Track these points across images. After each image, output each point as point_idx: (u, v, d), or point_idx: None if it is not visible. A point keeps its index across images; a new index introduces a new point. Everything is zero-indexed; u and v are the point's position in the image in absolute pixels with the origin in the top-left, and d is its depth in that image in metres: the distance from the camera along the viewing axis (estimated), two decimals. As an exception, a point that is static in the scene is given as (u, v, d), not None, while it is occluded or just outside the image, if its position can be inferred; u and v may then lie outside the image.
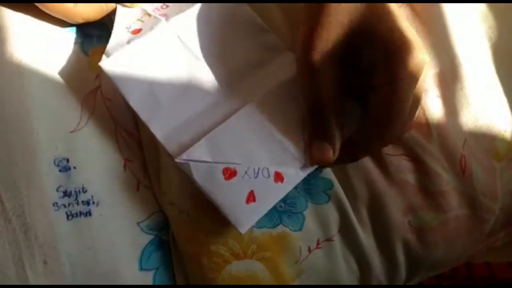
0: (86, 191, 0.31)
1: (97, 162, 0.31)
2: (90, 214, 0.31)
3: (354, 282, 0.35)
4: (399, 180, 0.33)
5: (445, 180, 0.34)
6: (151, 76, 0.31)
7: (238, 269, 0.31)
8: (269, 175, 0.29)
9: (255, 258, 0.31)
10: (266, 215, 0.31)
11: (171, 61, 0.31)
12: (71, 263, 0.29)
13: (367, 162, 0.33)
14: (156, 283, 0.32)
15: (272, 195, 0.29)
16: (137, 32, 0.32)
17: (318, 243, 0.33)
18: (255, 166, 0.29)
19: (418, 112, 0.34)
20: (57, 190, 0.30)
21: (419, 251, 0.35)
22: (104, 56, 0.30)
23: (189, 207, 0.31)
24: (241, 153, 0.29)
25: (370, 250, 0.34)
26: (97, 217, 0.31)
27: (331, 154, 0.28)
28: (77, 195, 0.30)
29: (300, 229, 0.32)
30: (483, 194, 0.35)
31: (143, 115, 0.30)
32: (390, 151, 0.33)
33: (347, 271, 0.34)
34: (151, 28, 0.31)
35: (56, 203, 0.30)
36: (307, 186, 0.32)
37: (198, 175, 0.28)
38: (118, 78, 0.30)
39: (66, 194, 0.30)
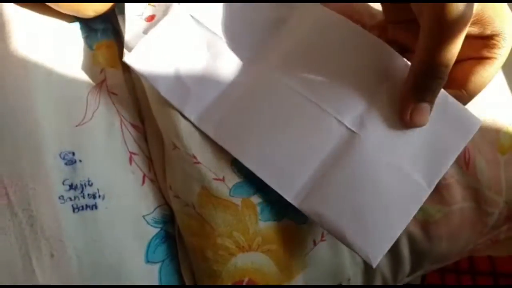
0: (92, 184, 0.31)
1: (103, 155, 0.32)
2: (96, 207, 0.31)
3: (358, 274, 0.35)
4: (403, 173, 0.33)
5: (449, 173, 0.34)
6: (175, 62, 0.31)
7: (243, 261, 0.31)
8: None
9: (261, 251, 0.31)
10: (271, 208, 0.32)
11: (191, 42, 0.31)
12: (77, 256, 0.30)
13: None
14: (162, 276, 0.32)
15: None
16: (151, 19, 0.31)
17: (322, 236, 0.33)
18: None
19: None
20: (63, 183, 0.30)
21: (423, 244, 0.35)
22: (125, 50, 0.30)
23: (194, 200, 0.31)
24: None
25: (375, 242, 0.34)
26: (103, 210, 0.31)
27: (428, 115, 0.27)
28: (83, 188, 0.31)
29: (305, 222, 0.32)
30: (487, 187, 0.35)
31: (176, 103, 0.30)
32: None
33: (351, 264, 0.34)
34: (165, 13, 0.31)
35: (62, 196, 0.30)
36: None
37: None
38: (145, 71, 0.30)
39: (72, 187, 0.30)
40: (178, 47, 0.31)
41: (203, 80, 0.31)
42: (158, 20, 0.31)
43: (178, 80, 0.30)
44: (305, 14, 0.31)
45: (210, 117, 0.30)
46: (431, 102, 0.27)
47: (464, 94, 0.28)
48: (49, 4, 0.30)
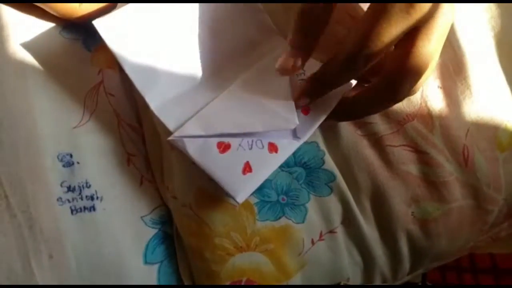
0: (90, 186, 0.31)
1: (101, 157, 0.32)
2: (94, 209, 0.31)
3: (358, 273, 0.35)
4: (401, 171, 0.33)
5: (448, 170, 0.34)
6: (148, 44, 0.30)
7: (241, 261, 0.31)
8: (263, 146, 0.29)
9: (259, 251, 0.32)
10: (269, 208, 0.32)
11: (167, 32, 0.30)
12: (76, 257, 0.30)
13: (369, 154, 0.33)
14: (161, 277, 0.32)
15: (267, 165, 0.29)
16: None
17: (321, 235, 0.33)
18: (248, 138, 0.29)
19: (420, 103, 0.34)
20: (61, 185, 0.30)
21: (423, 242, 0.35)
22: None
23: (192, 201, 0.31)
24: (233, 124, 0.29)
25: (374, 241, 0.34)
26: (101, 212, 0.31)
27: (298, 62, 0.27)
28: (81, 190, 0.31)
29: (303, 222, 0.32)
30: (486, 185, 0.35)
31: (139, 85, 0.29)
32: (392, 142, 0.33)
33: (350, 263, 0.34)
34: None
35: (61, 198, 0.30)
36: (310, 179, 0.32)
37: (193, 150, 0.28)
38: (112, 41, 0.28)
39: (70, 189, 0.30)
40: (155, 32, 0.30)
41: (172, 74, 0.30)
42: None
43: (148, 64, 0.29)
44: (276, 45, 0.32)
45: (172, 111, 0.29)
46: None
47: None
48: (41, 5, 0.30)
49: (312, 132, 0.30)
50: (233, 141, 0.28)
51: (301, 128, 0.29)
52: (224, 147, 0.28)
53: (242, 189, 0.28)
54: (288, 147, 0.29)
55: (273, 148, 0.29)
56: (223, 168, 0.28)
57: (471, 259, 0.43)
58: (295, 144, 0.30)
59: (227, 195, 0.28)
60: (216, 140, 0.28)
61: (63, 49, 0.33)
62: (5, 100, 0.30)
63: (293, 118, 0.29)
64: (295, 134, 0.30)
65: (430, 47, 0.24)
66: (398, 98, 0.26)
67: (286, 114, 0.29)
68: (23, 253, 0.29)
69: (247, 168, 0.28)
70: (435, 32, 0.24)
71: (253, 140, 0.29)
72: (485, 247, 0.42)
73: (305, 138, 0.30)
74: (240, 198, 0.28)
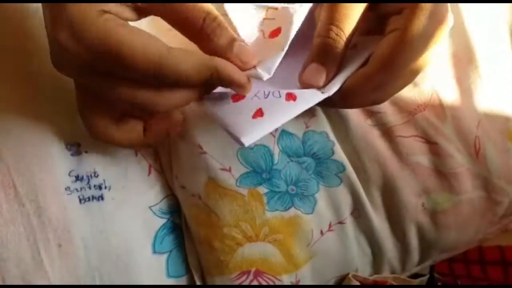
0: (98, 175, 0.31)
1: (109, 146, 0.31)
2: (102, 198, 0.31)
3: (367, 265, 0.35)
4: (412, 162, 0.33)
5: (459, 161, 0.33)
6: None
7: (250, 251, 0.31)
8: (280, 96, 0.26)
9: (268, 241, 0.31)
10: (278, 198, 0.31)
11: None
12: (85, 246, 0.30)
13: (380, 144, 0.33)
14: (169, 266, 0.32)
15: (282, 112, 0.26)
16: (276, 33, 0.27)
17: (330, 226, 0.33)
18: (265, 88, 0.26)
19: (431, 93, 0.33)
20: (69, 175, 0.30)
21: (432, 234, 0.34)
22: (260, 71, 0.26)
23: (200, 191, 0.31)
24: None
25: (383, 233, 0.34)
26: (110, 201, 0.31)
27: (323, 78, 0.26)
28: (89, 180, 0.31)
29: (312, 212, 0.32)
30: (497, 176, 0.34)
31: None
32: (402, 133, 0.33)
33: (359, 254, 0.34)
34: (291, 23, 0.26)
35: (69, 187, 0.30)
36: (319, 169, 0.32)
37: (208, 102, 0.27)
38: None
39: (78, 178, 0.30)
40: None
41: None
42: (286, 34, 0.26)
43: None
44: None
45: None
46: (324, 65, 0.26)
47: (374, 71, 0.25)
48: None
49: (338, 86, 0.27)
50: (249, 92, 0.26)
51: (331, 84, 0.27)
52: (238, 97, 0.26)
53: (249, 132, 0.25)
54: (308, 98, 0.26)
55: (291, 97, 0.26)
56: (232, 115, 0.26)
57: (479, 251, 0.43)
58: (318, 96, 0.26)
59: (234, 139, 0.25)
60: (232, 92, 0.26)
61: None
62: (11, 91, 0.30)
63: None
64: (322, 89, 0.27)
65: (421, 26, 0.24)
66: (393, 81, 0.26)
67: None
68: (32, 242, 0.29)
69: (258, 113, 0.26)
70: (423, 11, 0.24)
71: (270, 91, 0.26)
72: (494, 239, 0.41)
73: (330, 92, 0.26)
74: (246, 140, 0.25)
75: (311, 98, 0.26)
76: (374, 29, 0.27)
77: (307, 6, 0.27)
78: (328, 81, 0.26)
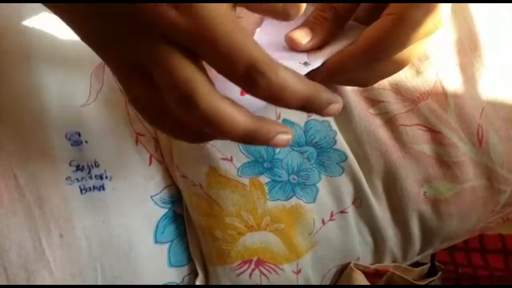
0: (98, 165, 0.31)
1: (109, 136, 0.31)
2: (103, 188, 0.31)
3: (368, 253, 0.35)
4: (414, 151, 0.33)
5: (462, 150, 0.33)
6: None
7: (252, 241, 0.31)
8: None
9: (269, 230, 0.31)
10: (279, 187, 0.31)
11: None
12: (86, 237, 0.30)
13: (382, 133, 0.32)
14: (171, 256, 0.32)
15: None
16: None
17: (331, 215, 0.33)
18: None
19: (435, 81, 0.33)
20: (69, 164, 0.30)
21: (434, 223, 0.34)
22: None
23: (202, 180, 0.31)
24: None
25: (385, 221, 0.34)
26: (111, 191, 0.31)
27: (307, 40, 0.25)
28: (90, 169, 0.30)
29: (314, 201, 0.32)
30: (500, 165, 0.34)
31: None
32: (405, 121, 0.32)
33: (361, 243, 0.34)
34: None
35: (69, 177, 0.30)
36: (321, 158, 0.32)
37: None
38: None
39: (79, 168, 0.30)
40: None
41: None
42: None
43: None
44: None
45: None
46: (312, 30, 0.25)
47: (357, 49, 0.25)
48: None
49: (322, 60, 0.26)
50: None
51: (312, 54, 0.26)
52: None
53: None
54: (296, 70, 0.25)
55: None
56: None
57: (480, 239, 0.43)
58: (302, 69, 0.26)
59: None
60: None
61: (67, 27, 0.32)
62: (10, 81, 0.30)
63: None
64: (304, 60, 0.26)
65: (417, 17, 0.23)
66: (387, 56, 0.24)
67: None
68: (33, 232, 0.29)
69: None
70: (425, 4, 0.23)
71: None
72: (495, 228, 0.41)
73: (314, 65, 0.26)
74: None
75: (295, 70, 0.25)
76: (368, 19, 0.27)
77: None
78: (312, 45, 0.26)
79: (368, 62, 0.25)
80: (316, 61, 0.26)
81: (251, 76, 0.19)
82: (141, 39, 0.19)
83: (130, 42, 0.20)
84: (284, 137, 0.22)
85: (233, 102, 0.21)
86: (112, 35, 0.20)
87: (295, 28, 0.26)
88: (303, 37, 0.26)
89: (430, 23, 0.23)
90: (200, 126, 0.21)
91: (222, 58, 0.19)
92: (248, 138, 0.21)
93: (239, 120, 0.20)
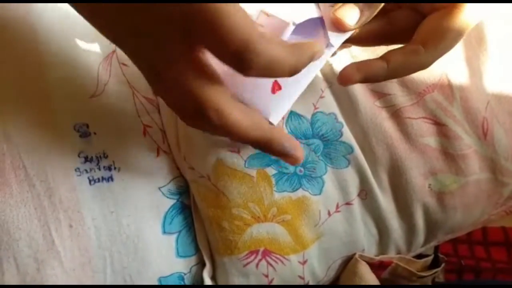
0: (107, 156, 0.31)
1: (117, 128, 0.32)
2: (112, 180, 0.31)
3: (373, 245, 0.35)
4: (420, 144, 0.33)
5: (467, 143, 0.33)
6: None
7: (259, 231, 0.32)
8: None
9: (276, 221, 0.32)
10: (286, 179, 0.32)
11: None
12: (95, 227, 0.30)
13: (388, 126, 0.33)
14: (179, 247, 0.33)
15: (297, 78, 0.25)
16: None
17: (337, 207, 0.33)
18: None
19: (441, 74, 0.33)
20: (78, 156, 0.30)
21: (438, 215, 0.35)
22: None
23: (210, 172, 0.31)
24: None
25: (390, 214, 0.34)
26: (119, 182, 0.31)
27: (355, 18, 0.26)
28: (98, 161, 0.31)
29: (320, 193, 0.32)
30: (504, 158, 0.34)
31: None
32: (411, 114, 0.33)
33: (366, 235, 0.34)
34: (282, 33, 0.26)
35: (78, 168, 0.30)
36: (327, 151, 0.32)
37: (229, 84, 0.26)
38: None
39: (87, 159, 0.30)
40: None
41: None
42: None
43: None
44: None
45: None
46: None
47: (420, 49, 0.26)
48: None
49: (344, 39, 0.26)
50: None
51: (334, 35, 0.26)
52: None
53: (274, 110, 0.26)
54: (319, 59, 0.25)
55: None
56: (254, 93, 0.26)
57: (483, 232, 0.44)
58: (327, 53, 0.26)
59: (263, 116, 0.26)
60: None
61: (75, 18, 0.32)
62: (19, 74, 0.30)
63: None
64: (328, 43, 0.26)
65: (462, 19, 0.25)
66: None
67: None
68: (43, 223, 0.29)
69: (276, 86, 0.26)
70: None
71: None
72: (498, 220, 0.42)
73: (338, 44, 0.26)
74: (273, 118, 0.26)
75: (320, 58, 0.25)
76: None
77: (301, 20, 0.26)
78: (360, 23, 0.26)
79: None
80: (337, 42, 0.26)
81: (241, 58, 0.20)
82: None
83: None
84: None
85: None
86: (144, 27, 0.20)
87: (341, 7, 0.26)
88: (352, 16, 0.26)
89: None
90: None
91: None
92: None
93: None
